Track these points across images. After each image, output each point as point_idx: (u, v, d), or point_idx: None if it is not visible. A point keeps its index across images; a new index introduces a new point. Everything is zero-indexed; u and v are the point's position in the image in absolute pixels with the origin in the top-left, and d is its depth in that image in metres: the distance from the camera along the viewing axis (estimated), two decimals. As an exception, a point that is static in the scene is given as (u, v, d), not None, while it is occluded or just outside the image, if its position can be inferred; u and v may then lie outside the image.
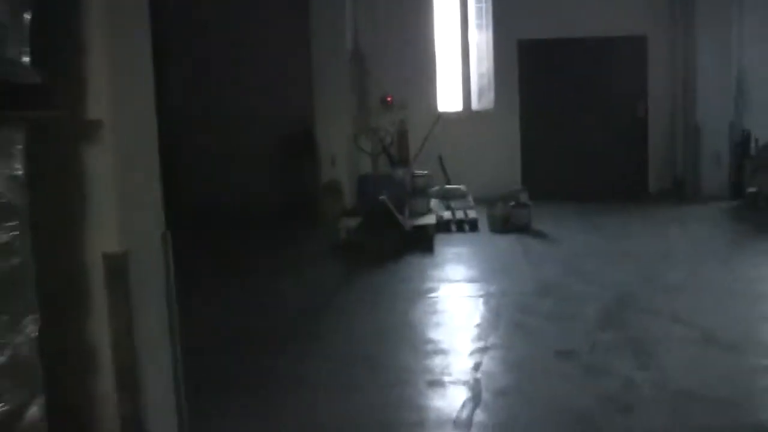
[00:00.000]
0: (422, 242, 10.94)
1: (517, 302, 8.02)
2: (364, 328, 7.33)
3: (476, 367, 6.12)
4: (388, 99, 14.96)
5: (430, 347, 6.65)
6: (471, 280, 9.16)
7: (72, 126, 4.26)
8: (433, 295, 8.42)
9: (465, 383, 5.78)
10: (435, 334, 7.05)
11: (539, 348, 6.59)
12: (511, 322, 7.36)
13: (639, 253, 10.30)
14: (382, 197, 10.85)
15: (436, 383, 5.80)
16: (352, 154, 13.63)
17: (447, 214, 12.43)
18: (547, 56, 15.27)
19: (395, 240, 10.70)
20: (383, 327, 7.32)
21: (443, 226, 12.01)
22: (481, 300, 8.18)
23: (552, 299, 8.11)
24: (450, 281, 9.10)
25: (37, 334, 3.15)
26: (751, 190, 13.50)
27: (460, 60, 15.73)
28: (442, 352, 6.53)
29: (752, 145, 14.14)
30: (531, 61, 15.31)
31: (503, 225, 11.98)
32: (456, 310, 7.90)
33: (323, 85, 13.68)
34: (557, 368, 6.10)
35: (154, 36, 4.84)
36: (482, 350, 6.53)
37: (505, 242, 11.26)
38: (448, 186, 13.62)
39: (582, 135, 15.30)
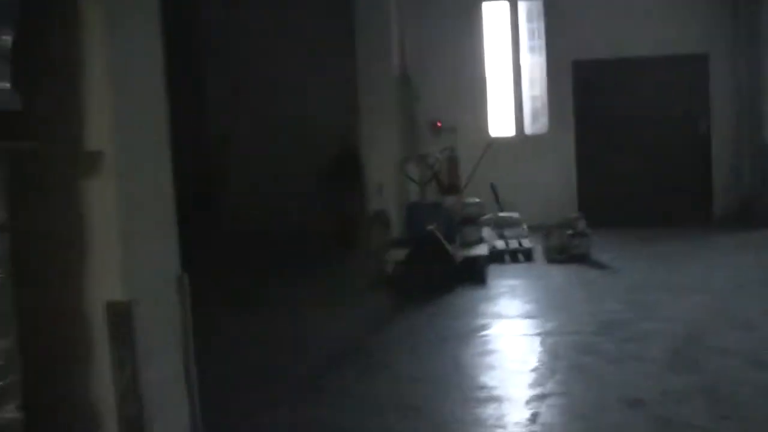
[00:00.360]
0: (474, 274, 10.32)
1: (577, 342, 7.37)
2: (409, 371, 6.72)
3: (533, 418, 5.50)
4: (438, 124, 14.43)
5: (481, 394, 6.03)
6: (526, 316, 8.53)
7: (68, 158, 3.78)
8: (484, 333, 7.80)
9: (521, 439, 5.17)
10: (487, 379, 6.43)
11: (603, 395, 5.93)
12: (571, 364, 6.73)
13: (707, 285, 9.60)
14: (430, 227, 10.26)
15: (489, 438, 5.21)
16: (401, 182, 13.08)
17: (500, 244, 11.83)
18: (603, 77, 14.63)
19: (444, 272, 10.09)
20: (430, 371, 6.71)
21: (496, 257, 11.40)
22: (537, 339, 7.55)
23: (615, 338, 7.45)
24: (503, 317, 8.48)
25: None
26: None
27: (512, 82, 15.14)
28: (496, 399, 5.90)
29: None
30: (586, 82, 14.68)
31: (560, 255, 11.34)
32: (510, 350, 7.29)
33: (370, 110, 13.16)
34: (625, 420, 5.45)
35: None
36: (540, 398, 5.90)
37: (562, 274, 10.61)
38: (500, 214, 12.99)
39: (641, 157, 14.61)
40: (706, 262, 11.03)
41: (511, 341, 7.58)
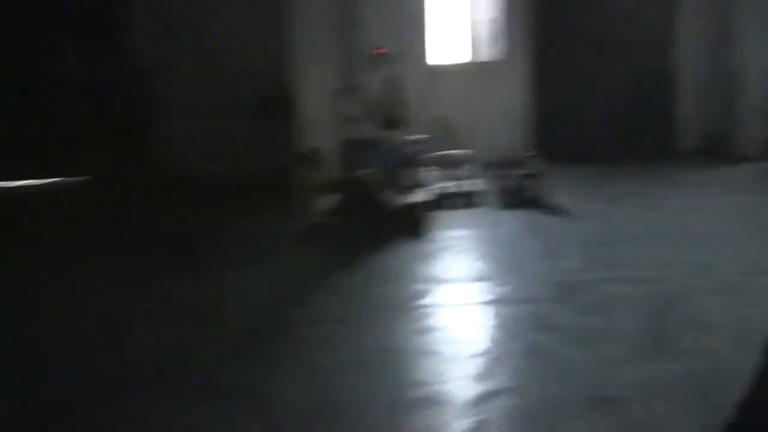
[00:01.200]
0: (414, 224, 9.05)
1: (533, 313, 6.15)
2: (322, 361, 5.41)
3: (478, 429, 4.29)
4: (379, 51, 13.02)
5: (413, 394, 4.79)
6: (473, 279, 7.27)
7: None
8: (422, 303, 6.55)
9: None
10: (422, 371, 5.19)
11: (568, 391, 4.71)
12: (527, 346, 5.50)
13: (676, 233, 8.43)
14: (360, 171, 8.97)
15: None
16: (339, 118, 11.74)
17: (448, 187, 10.54)
18: (562, 1, 13.28)
19: (379, 223, 8.81)
20: (350, 359, 5.41)
21: (441, 201, 10.12)
22: (485, 310, 6.33)
23: (577, 307, 6.24)
24: (446, 281, 7.21)
25: None
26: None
27: (464, 4, 13.72)
28: (432, 402, 4.67)
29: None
30: (546, 5, 13.30)
31: (514, 198, 10.10)
32: (452, 327, 6.03)
33: (300, 38, 11.79)
34: (594, 430, 4.25)
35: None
36: (488, 397, 4.67)
37: (517, 221, 9.38)
38: (450, 152, 11.67)
39: (603, 88, 13.40)
40: (673, 204, 9.88)
41: (454, 314, 6.32)
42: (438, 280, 7.18)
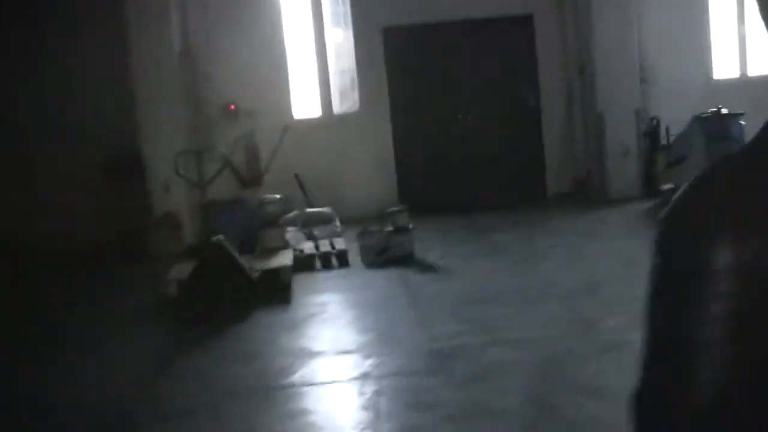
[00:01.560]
0: (276, 291, 8.38)
1: (409, 389, 5.57)
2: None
3: None
4: (231, 107, 12.39)
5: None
6: (340, 351, 6.63)
7: None
8: (286, 382, 5.86)
9: None
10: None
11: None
12: (403, 429, 4.89)
13: (555, 286, 7.96)
14: (217, 237, 8.27)
15: None
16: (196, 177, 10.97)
17: (309, 247, 9.90)
18: (418, 45, 12.87)
19: (238, 292, 8.10)
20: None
21: (304, 264, 9.46)
22: (354, 387, 5.69)
23: (455, 378, 5.68)
24: (311, 354, 6.54)
25: None
26: (667, 186, 11.34)
27: (316, 56, 13.19)
28: None
29: (663, 134, 12.12)
30: (400, 51, 12.89)
31: (379, 257, 9.52)
32: (318, 410, 5.37)
33: (148, 94, 11.05)
34: None
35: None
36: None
37: (383, 281, 8.80)
38: (309, 210, 11.04)
39: (466, 134, 12.96)
40: (549, 254, 9.47)
41: (323, 394, 5.67)
42: (305, 354, 6.52)
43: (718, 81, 12.99)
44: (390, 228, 9.67)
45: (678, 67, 12.64)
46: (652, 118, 12.29)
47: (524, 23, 12.99)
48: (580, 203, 12.22)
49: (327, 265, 9.59)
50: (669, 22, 12.54)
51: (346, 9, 13.07)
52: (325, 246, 9.87)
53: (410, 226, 9.70)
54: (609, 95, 12.24)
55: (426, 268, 9.21)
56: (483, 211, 11.90)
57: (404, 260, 9.40)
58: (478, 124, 13.00)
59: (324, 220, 10.71)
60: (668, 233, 1.10)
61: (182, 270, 8.62)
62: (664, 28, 12.54)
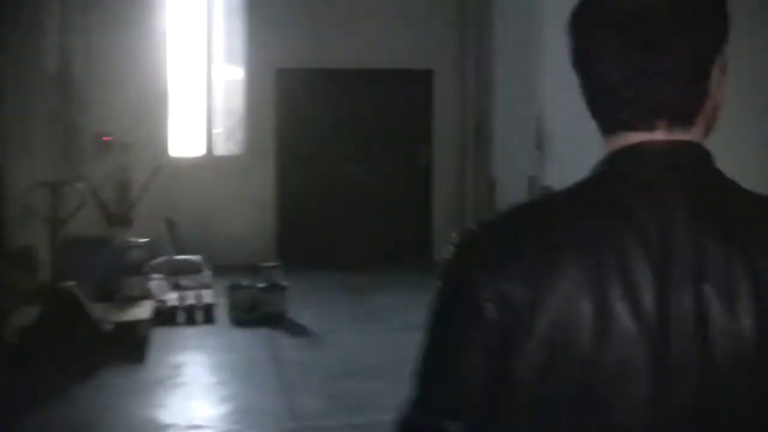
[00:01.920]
0: (130, 346, 7.59)
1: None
2: None
3: None
4: (106, 138, 11.58)
5: None
6: (190, 425, 5.91)
7: None
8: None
9: None
10: None
11: None
12: None
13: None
14: (67, 283, 7.48)
15: None
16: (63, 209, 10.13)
17: (173, 298, 9.12)
18: (311, 90, 12.31)
19: (88, 345, 7.30)
20: None
21: (166, 317, 8.68)
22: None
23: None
24: (157, 426, 5.82)
25: None
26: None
27: (203, 93, 12.50)
28: None
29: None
30: (292, 95, 12.29)
31: (249, 314, 8.82)
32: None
33: (13, 116, 10.19)
34: None
35: None
36: None
37: (251, 342, 8.12)
38: (177, 258, 10.24)
39: (353, 188, 12.41)
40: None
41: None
42: (149, 426, 5.78)
43: (613, 152, 12.82)
44: (263, 284, 9.01)
45: (574, 136, 12.38)
46: (545, 187, 11.97)
47: (423, 78, 12.58)
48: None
49: (191, 320, 8.82)
50: (568, 91, 12.24)
51: (241, 46, 12.45)
52: (191, 298, 9.11)
53: (285, 283, 9.06)
54: (503, 159, 11.88)
55: (299, 331, 8.55)
56: (365, 270, 11.30)
57: (276, 320, 8.75)
58: (366, 178, 12.48)
59: (193, 269, 9.94)
60: (445, 270, 1.34)
61: (27, 314, 7.79)
62: (562, 96, 12.26)
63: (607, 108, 1.39)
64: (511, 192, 11.83)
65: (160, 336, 8.14)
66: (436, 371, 1.35)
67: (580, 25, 1.39)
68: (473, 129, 12.39)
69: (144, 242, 9.37)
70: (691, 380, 1.25)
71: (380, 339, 8.25)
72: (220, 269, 10.13)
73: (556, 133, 12.35)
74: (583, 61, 1.41)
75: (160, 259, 9.86)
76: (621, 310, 1.25)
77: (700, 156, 1.35)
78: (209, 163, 12.23)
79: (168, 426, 5.85)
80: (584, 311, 1.25)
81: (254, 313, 8.80)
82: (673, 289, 1.26)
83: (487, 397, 1.30)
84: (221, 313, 8.94)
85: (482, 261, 1.31)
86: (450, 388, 1.32)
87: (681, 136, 1.35)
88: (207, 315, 8.90)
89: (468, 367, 1.30)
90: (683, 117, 1.35)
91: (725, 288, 1.25)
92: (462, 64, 12.60)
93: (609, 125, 1.40)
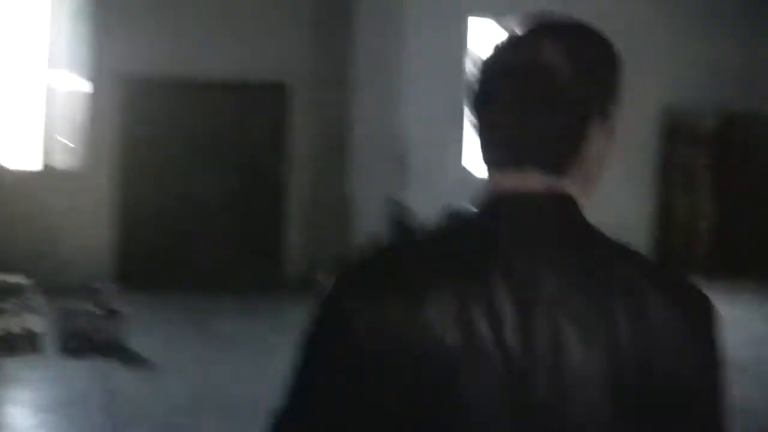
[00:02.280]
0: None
1: None
2: None
3: None
4: None
5: None
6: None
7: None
8: None
9: None
10: None
11: None
12: None
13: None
14: None
15: None
16: None
17: (-5, 324, 8.19)
18: (159, 102, 11.74)
19: None
20: None
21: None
22: None
23: None
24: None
25: None
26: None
27: (39, 101, 11.76)
28: None
29: (413, 225, 11.49)
30: (139, 107, 11.68)
31: (83, 342, 8.04)
32: None
33: None
34: None
35: None
36: None
37: (81, 375, 7.38)
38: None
39: (200, 204, 11.80)
40: (281, 351, 8.25)
41: None
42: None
43: (471, 172, 12.55)
44: (98, 308, 8.18)
45: (433, 156, 12.18)
46: (403, 206, 11.60)
47: (276, 91, 12.18)
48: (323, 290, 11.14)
49: (13, 350, 7.93)
50: (429, 110, 12.06)
51: (83, 53, 11.63)
52: (12, 325, 8.18)
53: (122, 308, 8.26)
54: (361, 177, 11.55)
55: (137, 361, 7.81)
56: (214, 293, 10.68)
57: (111, 350, 7.98)
58: (215, 195, 11.92)
59: (15, 291, 8.98)
60: (321, 302, 1.43)
61: None
62: (423, 116, 12.05)
63: (491, 149, 1.48)
64: (367, 210, 11.48)
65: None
66: (304, 397, 1.43)
67: (485, 72, 1.48)
68: (330, 146, 11.98)
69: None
70: (550, 414, 1.32)
71: (223, 367, 7.67)
72: (53, 291, 9.19)
73: (415, 153, 12.12)
74: (479, 104, 1.50)
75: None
76: (486, 342, 1.33)
77: (567, 204, 1.44)
78: (44, 176, 11.48)
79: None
80: (451, 343, 1.33)
81: (87, 341, 8.00)
82: (534, 325, 1.34)
83: (353, 424, 1.36)
84: (49, 341, 8.05)
85: (356, 293, 1.39)
86: (317, 411, 1.39)
87: (554, 183, 1.44)
88: (31, 344, 8.03)
89: (335, 395, 1.37)
90: (556, 167, 1.44)
91: (583, 325, 1.35)
92: (318, 76, 12.22)
93: (489, 164, 1.48)
